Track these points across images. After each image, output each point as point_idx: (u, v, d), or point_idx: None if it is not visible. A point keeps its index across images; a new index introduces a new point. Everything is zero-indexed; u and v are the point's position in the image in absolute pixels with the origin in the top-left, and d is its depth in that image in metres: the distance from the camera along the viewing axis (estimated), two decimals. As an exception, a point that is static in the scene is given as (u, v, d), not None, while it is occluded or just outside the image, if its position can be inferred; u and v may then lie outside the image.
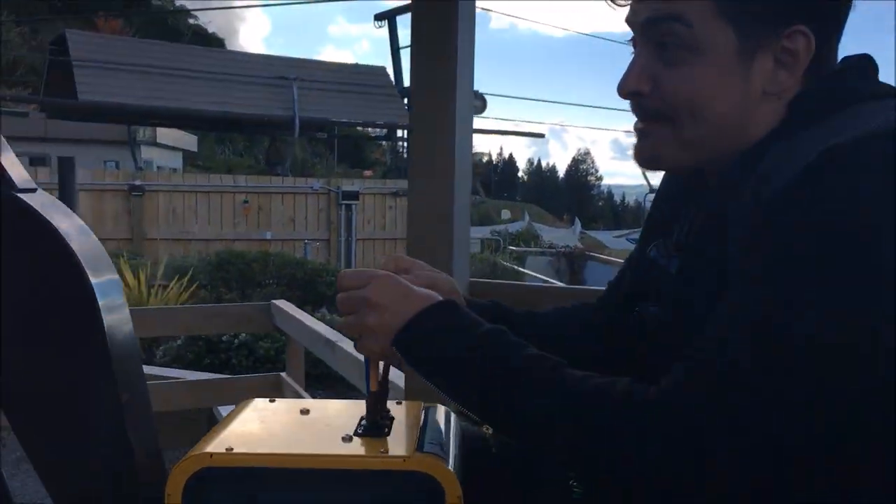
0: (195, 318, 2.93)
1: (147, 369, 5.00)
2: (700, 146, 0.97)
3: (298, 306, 8.93)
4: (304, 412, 1.13)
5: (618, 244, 20.57)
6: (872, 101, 0.91)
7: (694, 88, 0.94)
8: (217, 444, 0.99)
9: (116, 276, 1.13)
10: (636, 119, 1.02)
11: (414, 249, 1.80)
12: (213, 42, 35.83)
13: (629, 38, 1.01)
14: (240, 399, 3.00)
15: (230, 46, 41.62)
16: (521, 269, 11.65)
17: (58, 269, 1.05)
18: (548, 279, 10.88)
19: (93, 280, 1.06)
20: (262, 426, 1.10)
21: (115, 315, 1.10)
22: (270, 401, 1.23)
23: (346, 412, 1.13)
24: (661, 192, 1.16)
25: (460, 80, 1.71)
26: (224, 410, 3.54)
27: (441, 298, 0.97)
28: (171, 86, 14.69)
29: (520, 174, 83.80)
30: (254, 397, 3.02)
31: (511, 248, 15.09)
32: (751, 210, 0.85)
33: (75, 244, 1.07)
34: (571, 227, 26.87)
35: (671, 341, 0.95)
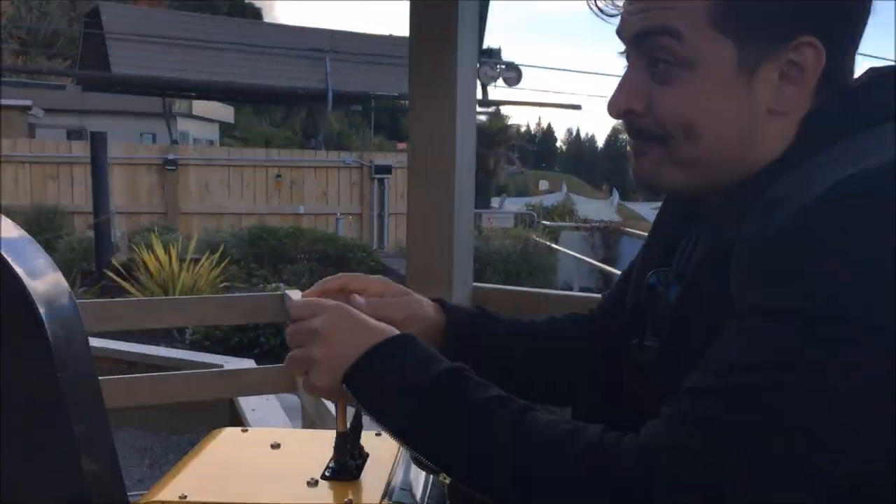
0: (207, 308, 2.87)
1: (170, 352, 5.00)
2: (698, 168, 0.87)
3: (328, 282, 8.97)
4: (275, 447, 1.06)
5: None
6: (893, 122, 0.80)
7: (689, 108, 0.84)
8: (171, 491, 0.92)
9: (68, 301, 1.06)
10: (630, 138, 0.92)
11: (414, 253, 1.71)
12: (249, 12, 35.81)
13: (622, 50, 0.91)
14: (258, 388, 2.94)
15: (267, 15, 41.60)
16: (554, 245, 11.50)
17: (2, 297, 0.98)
18: (581, 256, 10.74)
19: (42, 311, 0.99)
20: (225, 465, 1.03)
21: (68, 340, 1.03)
22: (243, 430, 1.16)
23: (320, 444, 1.05)
24: (662, 214, 1.06)
25: (461, 85, 1.61)
26: (244, 401, 3.50)
27: (396, 332, 0.88)
28: (205, 58, 14.67)
29: (558, 144, 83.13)
30: (270, 388, 2.94)
31: (545, 222, 14.92)
32: (753, 246, 0.76)
33: (23, 269, 1.00)
34: (609, 199, 26.63)
35: (669, 377, 0.87)
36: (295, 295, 3.02)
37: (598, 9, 0.93)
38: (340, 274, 1.02)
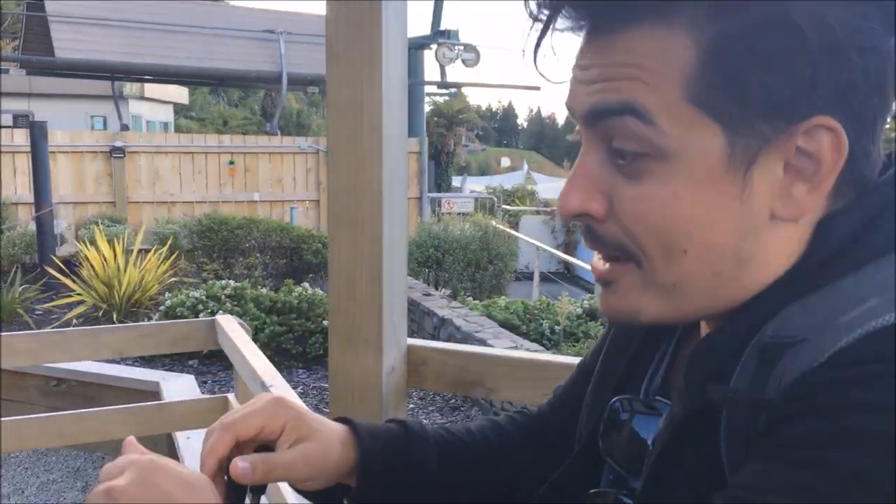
0: (125, 339, 2.60)
1: (102, 368, 4.68)
2: (684, 291, 0.64)
3: (282, 276, 8.65)
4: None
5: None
6: None
7: (665, 213, 0.61)
8: None
9: None
10: (594, 257, 0.69)
11: (337, 313, 1.47)
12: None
13: (577, 128, 0.68)
14: (187, 423, 2.68)
15: (221, -6, 40.56)
16: (514, 232, 11.29)
17: None
18: (540, 244, 10.55)
19: None
20: None
21: None
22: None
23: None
24: (622, 328, 0.84)
25: (387, 113, 1.37)
26: (181, 437, 3.23)
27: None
28: (154, 41, 14.13)
29: (519, 121, 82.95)
30: (202, 421, 2.68)
31: (505, 206, 14.70)
32: (750, 411, 0.57)
33: None
34: (570, 178, 26.59)
35: None
36: (225, 321, 2.77)
37: (543, 73, 0.70)
38: (223, 424, 0.77)
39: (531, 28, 0.66)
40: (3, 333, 2.50)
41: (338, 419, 0.86)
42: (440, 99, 17.84)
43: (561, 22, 0.65)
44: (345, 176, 1.43)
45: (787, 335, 0.56)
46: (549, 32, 0.65)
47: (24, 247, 9.59)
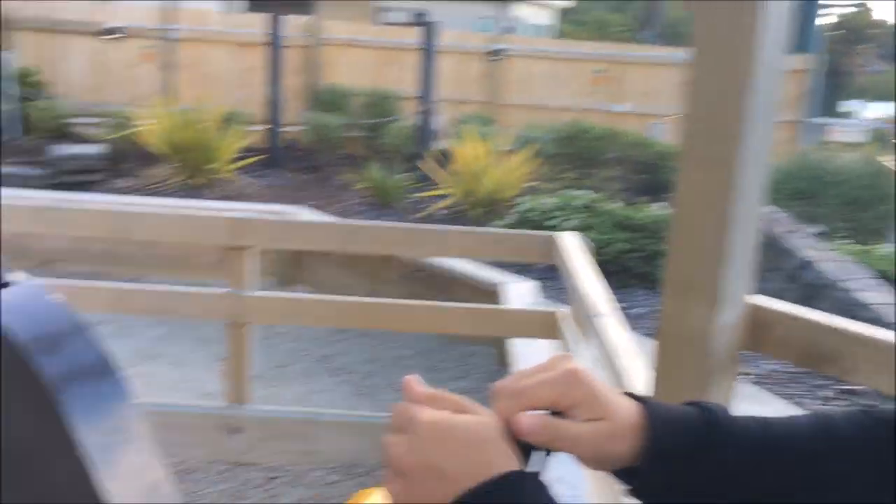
0: (470, 243, 2.73)
1: (453, 262, 4.96)
2: None
3: (638, 192, 8.51)
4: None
5: None
6: None
7: None
8: None
9: None
10: None
11: (675, 258, 1.35)
12: None
13: None
14: (513, 331, 2.78)
15: None
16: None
17: None
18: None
19: None
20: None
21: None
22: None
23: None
24: None
25: (769, 29, 1.18)
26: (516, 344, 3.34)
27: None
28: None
29: (938, 41, 71.27)
30: (527, 331, 2.75)
31: (903, 140, 12.82)
32: None
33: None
34: None
35: None
36: (566, 239, 2.75)
37: None
38: (513, 391, 0.72)
39: None
40: (372, 224, 2.74)
41: (631, 395, 0.76)
42: (841, 10, 15.87)
43: None
44: (702, 110, 1.27)
45: None
46: None
47: (405, 139, 10.53)
